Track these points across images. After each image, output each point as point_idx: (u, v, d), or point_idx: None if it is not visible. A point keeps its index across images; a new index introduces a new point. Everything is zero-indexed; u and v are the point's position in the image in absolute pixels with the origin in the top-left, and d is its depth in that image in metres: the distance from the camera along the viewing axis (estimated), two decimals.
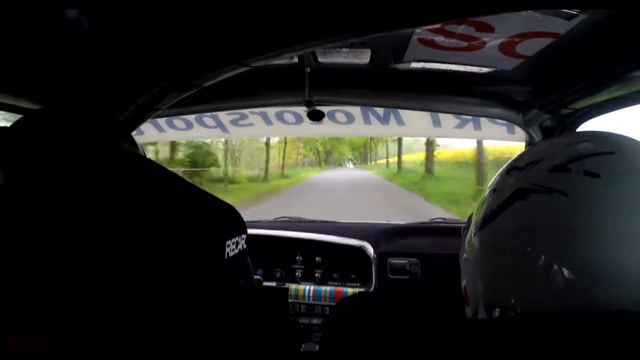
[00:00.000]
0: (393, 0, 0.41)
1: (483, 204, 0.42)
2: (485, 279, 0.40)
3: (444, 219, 1.45)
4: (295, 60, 0.87)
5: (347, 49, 0.82)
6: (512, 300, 0.37)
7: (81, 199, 0.30)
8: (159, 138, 1.35)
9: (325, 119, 1.23)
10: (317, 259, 1.25)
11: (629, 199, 0.33)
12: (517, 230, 0.37)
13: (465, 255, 0.44)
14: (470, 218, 0.46)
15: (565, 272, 0.33)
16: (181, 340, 0.33)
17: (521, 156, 0.41)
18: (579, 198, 0.34)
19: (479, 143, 10.57)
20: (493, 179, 0.43)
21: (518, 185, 0.38)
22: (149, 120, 0.77)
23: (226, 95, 1.06)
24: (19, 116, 0.63)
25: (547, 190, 0.35)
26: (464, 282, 0.45)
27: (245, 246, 0.40)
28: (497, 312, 0.38)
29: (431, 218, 1.47)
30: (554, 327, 0.29)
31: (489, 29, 0.68)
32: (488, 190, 0.42)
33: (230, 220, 0.40)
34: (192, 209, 0.36)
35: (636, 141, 0.37)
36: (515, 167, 0.40)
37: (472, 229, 0.43)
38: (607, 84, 0.71)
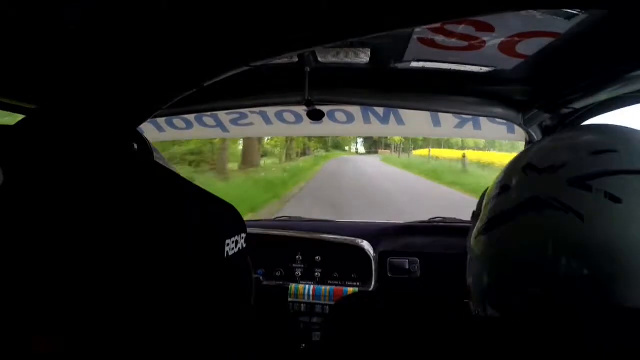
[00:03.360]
0: (393, 0, 0.41)
1: (493, 198, 0.39)
2: (491, 279, 0.38)
3: (444, 218, 1.45)
4: (295, 59, 0.87)
5: (347, 49, 0.82)
6: (517, 302, 0.35)
7: (81, 199, 0.30)
8: (159, 138, 1.35)
9: (325, 119, 1.23)
10: (317, 258, 1.25)
11: None
12: (528, 242, 0.34)
13: (471, 251, 0.42)
14: (479, 205, 0.43)
15: (581, 260, 0.31)
16: (181, 340, 0.33)
17: (540, 152, 0.37)
18: (597, 224, 0.30)
19: None
20: (505, 170, 0.40)
21: (534, 193, 0.34)
22: (149, 120, 0.77)
23: (226, 94, 1.06)
24: (19, 116, 0.63)
25: (564, 209, 0.32)
26: (469, 279, 0.43)
27: (245, 245, 0.40)
28: (499, 311, 0.37)
29: (430, 218, 1.47)
30: (558, 326, 0.29)
31: (489, 28, 0.68)
32: (498, 184, 0.39)
33: (229, 219, 0.40)
34: (192, 208, 0.36)
35: None
36: (533, 167, 0.36)
37: (479, 225, 0.40)
38: (607, 84, 0.71)
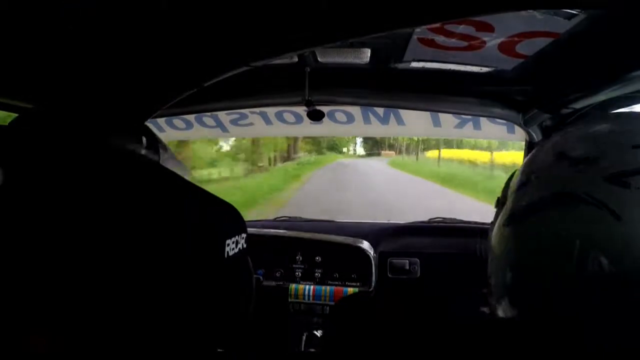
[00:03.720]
0: (393, 0, 0.41)
1: (519, 187, 0.36)
2: (514, 274, 0.35)
3: (444, 218, 1.45)
4: (295, 59, 0.87)
5: (347, 49, 0.82)
6: (541, 303, 0.33)
7: (80, 199, 0.30)
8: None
9: (325, 119, 1.23)
10: (317, 258, 1.25)
11: None
12: (558, 238, 0.32)
13: (493, 242, 0.39)
14: (505, 193, 0.40)
15: (608, 256, 0.29)
16: (180, 340, 0.33)
17: (575, 138, 0.34)
18: (633, 225, 0.28)
19: None
20: (533, 157, 0.37)
21: (568, 188, 0.32)
22: (149, 120, 0.77)
23: (226, 95, 1.06)
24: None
25: (598, 205, 0.30)
26: (489, 272, 0.39)
27: (245, 245, 0.40)
28: (519, 309, 0.35)
29: (430, 218, 1.47)
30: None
31: (489, 28, 0.68)
32: (528, 170, 0.36)
33: (230, 219, 0.40)
34: (192, 208, 0.36)
35: None
36: (567, 156, 0.33)
37: (504, 215, 0.37)
38: (607, 84, 0.71)
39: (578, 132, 0.36)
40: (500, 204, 0.40)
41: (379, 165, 18.52)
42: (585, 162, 0.32)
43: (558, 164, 0.33)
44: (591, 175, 0.31)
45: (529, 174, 0.35)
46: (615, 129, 0.35)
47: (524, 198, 0.34)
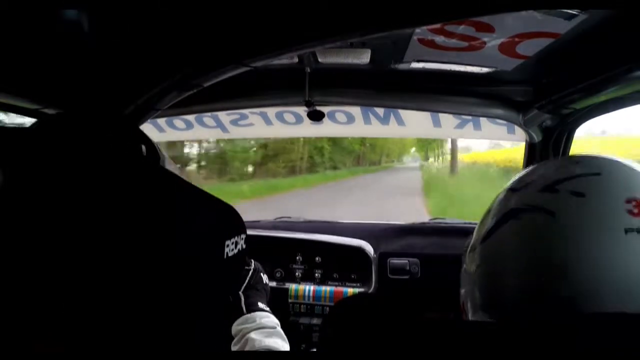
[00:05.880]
0: (393, 0, 0.41)
1: (482, 222, 0.44)
2: (483, 289, 0.41)
3: (444, 218, 1.45)
4: (295, 60, 0.87)
5: (347, 49, 0.82)
6: (509, 310, 0.38)
7: (79, 200, 0.30)
8: (159, 138, 1.34)
9: (325, 119, 1.23)
10: (317, 259, 1.25)
11: (612, 216, 0.34)
12: (511, 246, 0.39)
13: (465, 268, 0.46)
14: (471, 236, 0.47)
15: (555, 289, 0.35)
16: (180, 340, 0.33)
17: (519, 178, 0.43)
18: (565, 216, 0.35)
19: None
20: (494, 200, 0.45)
21: (512, 206, 0.40)
22: (149, 120, 0.77)
23: (226, 95, 1.06)
24: (20, 116, 0.63)
25: (536, 210, 0.37)
26: (462, 292, 0.46)
27: (244, 246, 0.40)
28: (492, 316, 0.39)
29: (430, 218, 1.47)
30: (548, 332, 0.29)
31: (489, 29, 0.68)
32: (488, 211, 0.44)
33: (229, 220, 0.40)
34: (192, 209, 0.36)
35: (622, 163, 0.39)
36: (513, 189, 0.42)
37: (471, 244, 0.45)
38: (607, 84, 0.71)
39: (523, 174, 0.44)
40: (467, 245, 0.48)
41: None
42: (525, 186, 0.40)
43: (506, 196, 0.42)
44: (528, 191, 0.39)
45: (490, 211, 0.43)
46: (546, 162, 0.46)
47: (484, 227, 0.42)
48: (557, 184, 0.37)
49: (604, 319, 0.31)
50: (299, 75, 0.93)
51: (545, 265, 0.35)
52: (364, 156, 24.51)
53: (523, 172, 0.44)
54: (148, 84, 0.58)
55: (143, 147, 0.46)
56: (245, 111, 1.25)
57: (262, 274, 0.78)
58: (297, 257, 1.25)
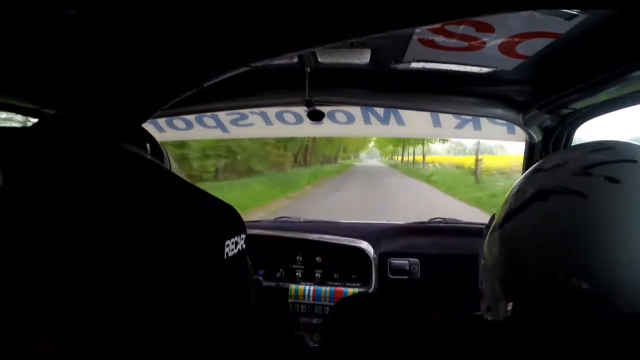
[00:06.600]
0: (393, 0, 0.41)
1: (506, 203, 0.42)
2: (504, 275, 0.40)
3: (444, 218, 1.45)
4: (296, 60, 0.87)
5: (347, 49, 0.82)
6: (529, 300, 0.37)
7: (79, 201, 0.30)
8: (159, 138, 1.34)
9: (325, 119, 1.23)
10: (317, 259, 1.25)
11: None
12: (536, 229, 0.37)
13: (484, 253, 0.45)
14: (492, 218, 0.46)
15: (583, 275, 0.34)
16: (180, 340, 0.33)
17: (548, 159, 0.42)
18: (599, 201, 0.34)
19: None
20: (518, 179, 0.43)
21: (540, 186, 0.38)
22: (149, 120, 0.77)
23: (226, 95, 1.06)
24: (19, 116, 0.63)
25: (568, 192, 0.36)
26: (481, 279, 0.45)
27: (244, 246, 0.40)
28: (510, 308, 0.38)
29: (431, 218, 1.47)
30: (565, 330, 0.29)
31: (489, 29, 0.68)
32: (512, 190, 0.42)
33: (229, 220, 0.40)
34: (192, 209, 0.36)
35: None
36: (541, 169, 0.41)
37: (492, 227, 0.44)
38: (607, 84, 0.71)
39: (552, 156, 0.43)
40: (486, 227, 0.46)
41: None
42: (555, 167, 0.39)
43: (534, 176, 0.40)
44: (560, 173, 0.38)
45: (514, 191, 0.42)
46: (577, 146, 0.43)
47: (509, 208, 0.41)
48: (591, 167, 0.36)
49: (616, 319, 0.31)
50: (299, 75, 0.93)
51: (572, 248, 0.34)
52: (313, 150, 16.41)
53: (553, 155, 0.42)
54: (148, 83, 0.58)
55: (147, 145, 0.46)
56: (245, 111, 1.25)
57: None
58: (297, 257, 1.25)
